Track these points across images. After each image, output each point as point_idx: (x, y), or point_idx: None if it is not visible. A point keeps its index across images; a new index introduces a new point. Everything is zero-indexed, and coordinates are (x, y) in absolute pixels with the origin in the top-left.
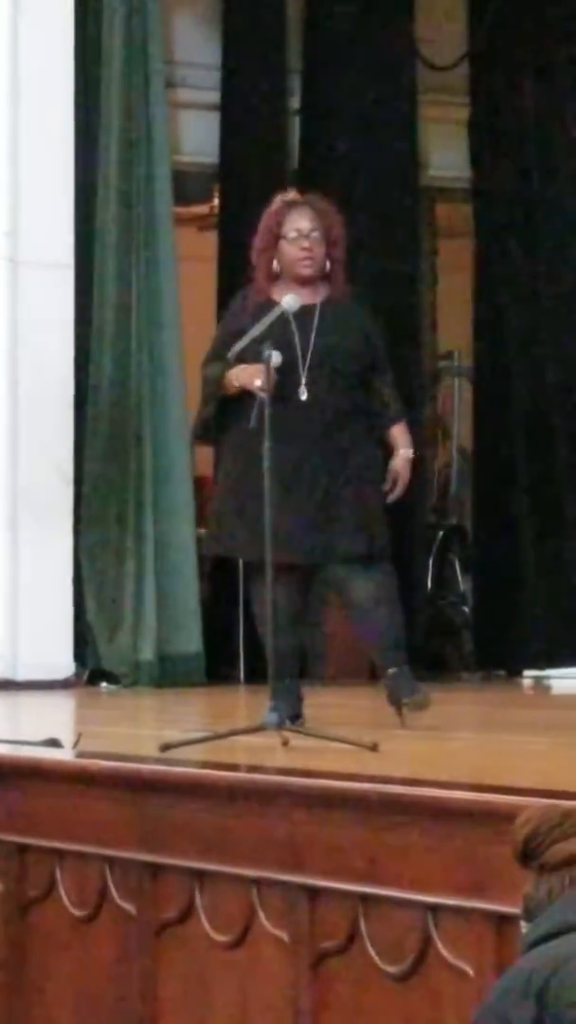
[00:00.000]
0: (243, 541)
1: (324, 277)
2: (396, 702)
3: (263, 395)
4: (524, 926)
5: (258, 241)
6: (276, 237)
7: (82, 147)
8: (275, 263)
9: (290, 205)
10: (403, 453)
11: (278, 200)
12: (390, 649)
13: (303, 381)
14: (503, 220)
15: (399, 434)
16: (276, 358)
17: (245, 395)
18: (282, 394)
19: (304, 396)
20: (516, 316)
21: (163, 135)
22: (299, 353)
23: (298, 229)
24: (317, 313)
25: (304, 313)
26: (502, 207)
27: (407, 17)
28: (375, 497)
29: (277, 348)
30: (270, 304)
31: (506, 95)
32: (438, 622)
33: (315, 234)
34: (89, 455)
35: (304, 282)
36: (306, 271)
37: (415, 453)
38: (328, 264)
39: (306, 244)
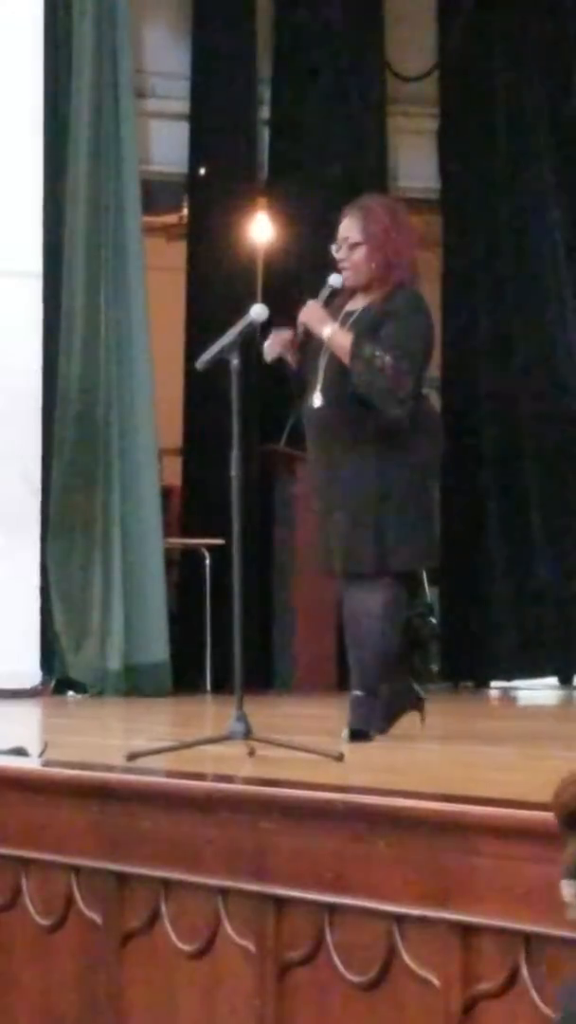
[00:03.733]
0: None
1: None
2: (400, 710)
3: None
4: (567, 884)
5: None
6: None
7: (51, 155)
8: None
9: (342, 213)
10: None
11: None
12: (364, 673)
13: (319, 388)
14: (471, 231)
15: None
16: (335, 280)
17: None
18: (306, 401)
19: (317, 403)
20: (484, 327)
21: (132, 144)
22: (322, 362)
23: (337, 238)
24: (351, 321)
25: (343, 321)
26: (470, 218)
27: (377, 28)
28: (374, 511)
29: (312, 356)
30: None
31: (475, 106)
32: (405, 633)
33: (350, 240)
34: (57, 464)
35: (357, 289)
36: (347, 281)
37: (329, 338)
38: (374, 268)
39: (339, 253)
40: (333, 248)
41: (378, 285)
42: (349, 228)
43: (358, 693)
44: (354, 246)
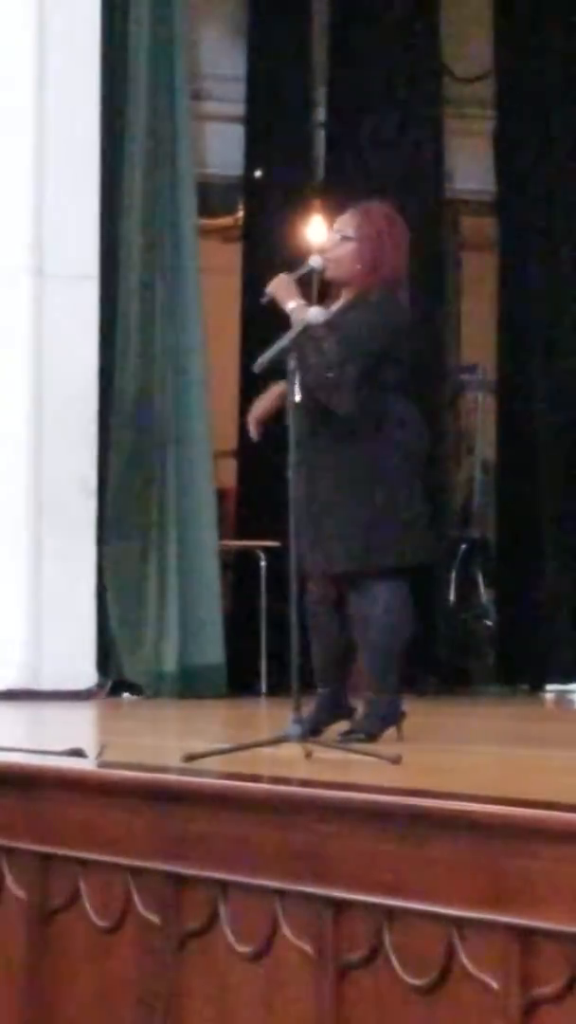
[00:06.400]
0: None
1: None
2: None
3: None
4: None
5: None
6: None
7: (107, 159)
8: None
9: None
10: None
11: None
12: (368, 676)
13: (297, 382)
14: (527, 233)
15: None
16: (315, 261)
17: None
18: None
19: (297, 397)
20: (539, 329)
21: (187, 147)
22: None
23: (331, 229)
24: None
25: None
26: (526, 220)
27: (433, 29)
28: (365, 508)
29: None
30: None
31: (531, 108)
32: (461, 636)
33: (343, 234)
34: (113, 466)
35: (335, 283)
36: (327, 270)
37: (292, 310)
38: (359, 268)
39: (327, 243)
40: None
41: (359, 284)
42: (346, 223)
43: (325, 690)
44: (345, 240)
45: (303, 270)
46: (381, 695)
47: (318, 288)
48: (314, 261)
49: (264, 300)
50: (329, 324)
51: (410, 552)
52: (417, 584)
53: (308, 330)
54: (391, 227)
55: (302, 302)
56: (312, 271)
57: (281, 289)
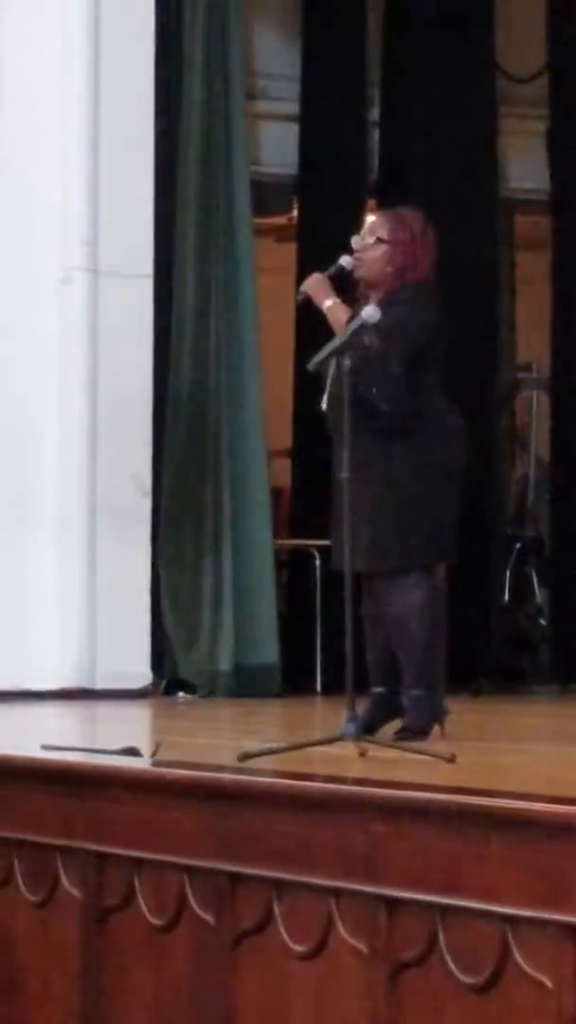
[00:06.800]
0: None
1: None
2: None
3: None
4: None
5: None
6: None
7: (162, 157)
8: None
9: (371, 211)
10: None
11: None
12: (407, 673)
13: (327, 390)
14: None
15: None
16: (346, 261)
17: None
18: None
19: (324, 405)
20: None
21: (242, 146)
22: (330, 367)
23: (362, 232)
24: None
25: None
26: None
27: (487, 29)
28: (397, 509)
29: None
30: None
31: None
32: (515, 634)
33: (377, 235)
34: (167, 465)
35: (364, 282)
36: (357, 269)
37: (329, 308)
38: (389, 271)
39: (357, 244)
40: (354, 240)
41: (387, 286)
42: (379, 226)
43: (380, 690)
44: (378, 242)
45: (333, 269)
46: (422, 693)
47: (338, 287)
48: (344, 261)
49: (299, 298)
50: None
51: (437, 551)
52: (472, 583)
53: (360, 329)
54: (424, 233)
55: (338, 300)
56: (342, 270)
57: (317, 287)
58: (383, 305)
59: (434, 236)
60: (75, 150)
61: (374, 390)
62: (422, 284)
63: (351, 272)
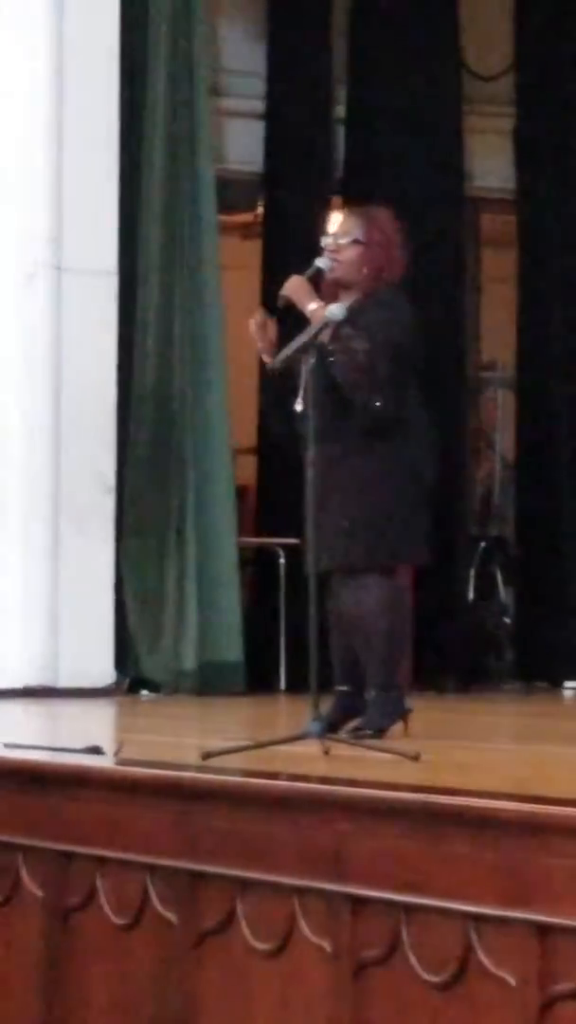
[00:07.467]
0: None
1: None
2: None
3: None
4: None
5: None
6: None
7: (127, 154)
8: None
9: (337, 210)
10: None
11: None
12: (368, 672)
13: (300, 392)
14: (547, 230)
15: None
16: (323, 262)
17: None
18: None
19: (299, 407)
20: (559, 326)
21: (208, 143)
22: (304, 367)
23: (332, 232)
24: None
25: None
26: (546, 217)
27: (453, 27)
28: (365, 508)
29: (296, 361)
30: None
31: (551, 105)
32: (480, 633)
33: (351, 237)
34: (131, 463)
35: (340, 284)
36: (333, 271)
37: (312, 312)
38: (365, 272)
39: (330, 244)
40: (324, 240)
41: (363, 286)
42: (352, 226)
43: (344, 688)
44: (353, 243)
45: (311, 271)
46: (382, 692)
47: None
48: (321, 262)
49: (280, 303)
50: (352, 323)
51: (403, 552)
52: (437, 582)
53: (334, 329)
54: (397, 232)
55: (322, 303)
56: (320, 272)
57: (298, 290)
58: (360, 306)
59: (404, 235)
60: (39, 145)
61: (370, 397)
62: (399, 284)
63: (327, 273)
